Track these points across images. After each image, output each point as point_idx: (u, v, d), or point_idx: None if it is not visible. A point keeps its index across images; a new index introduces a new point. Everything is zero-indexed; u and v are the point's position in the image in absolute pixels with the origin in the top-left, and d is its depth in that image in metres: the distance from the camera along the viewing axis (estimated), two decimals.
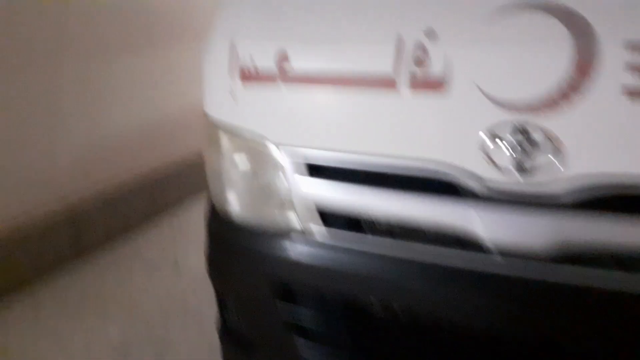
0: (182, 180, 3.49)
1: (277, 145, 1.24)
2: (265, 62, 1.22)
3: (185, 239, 3.11)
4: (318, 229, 1.23)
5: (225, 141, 1.35)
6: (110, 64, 2.89)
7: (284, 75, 1.19)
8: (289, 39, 1.20)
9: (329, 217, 1.23)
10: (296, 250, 1.25)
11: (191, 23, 3.41)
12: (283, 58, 1.19)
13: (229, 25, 1.34)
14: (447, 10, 1.04)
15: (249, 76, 1.25)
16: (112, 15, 2.86)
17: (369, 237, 1.18)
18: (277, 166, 1.25)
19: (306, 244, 1.24)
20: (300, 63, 1.18)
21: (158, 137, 3.31)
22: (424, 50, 1.03)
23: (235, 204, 1.38)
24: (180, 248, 3.00)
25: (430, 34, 1.03)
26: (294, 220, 1.26)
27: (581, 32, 0.92)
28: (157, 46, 3.18)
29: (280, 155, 1.24)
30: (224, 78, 1.30)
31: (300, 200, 1.23)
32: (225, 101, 1.31)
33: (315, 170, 1.21)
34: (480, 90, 0.98)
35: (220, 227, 1.44)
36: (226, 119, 1.33)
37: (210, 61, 1.36)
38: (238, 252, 1.39)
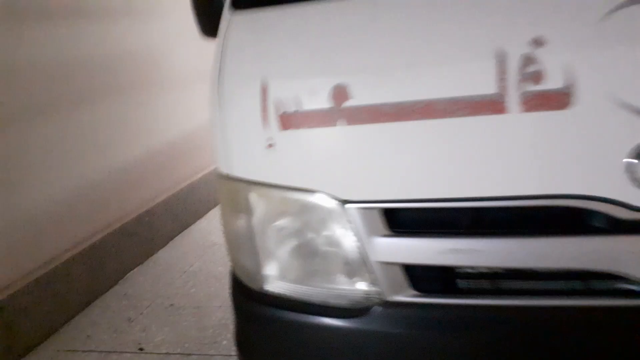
0: (123, 250, 3.08)
1: (343, 202, 1.00)
2: (317, 102, 0.98)
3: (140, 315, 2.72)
4: (410, 298, 1.00)
5: (261, 205, 1.09)
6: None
7: (345, 115, 0.96)
8: (346, 70, 0.98)
9: (418, 282, 1.01)
10: (380, 326, 1.02)
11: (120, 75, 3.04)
12: (342, 95, 0.96)
13: (252, 67, 1.08)
14: (553, 13, 0.87)
15: (294, 122, 1.00)
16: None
17: (478, 297, 0.97)
18: (342, 228, 1.01)
19: (394, 317, 1.01)
20: (366, 98, 0.95)
21: (89, 204, 2.89)
22: (534, 61, 0.85)
23: (276, 277, 1.12)
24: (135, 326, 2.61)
25: (539, 41, 0.85)
26: (370, 289, 1.03)
27: None
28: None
29: (347, 215, 1.00)
30: (255, 129, 1.04)
31: (381, 265, 1.00)
32: (260, 156, 1.05)
33: (400, 226, 0.99)
34: (621, 101, 0.81)
35: (256, 305, 1.16)
36: (262, 177, 1.07)
37: (231, 112, 1.09)
38: (284, 334, 1.13)
